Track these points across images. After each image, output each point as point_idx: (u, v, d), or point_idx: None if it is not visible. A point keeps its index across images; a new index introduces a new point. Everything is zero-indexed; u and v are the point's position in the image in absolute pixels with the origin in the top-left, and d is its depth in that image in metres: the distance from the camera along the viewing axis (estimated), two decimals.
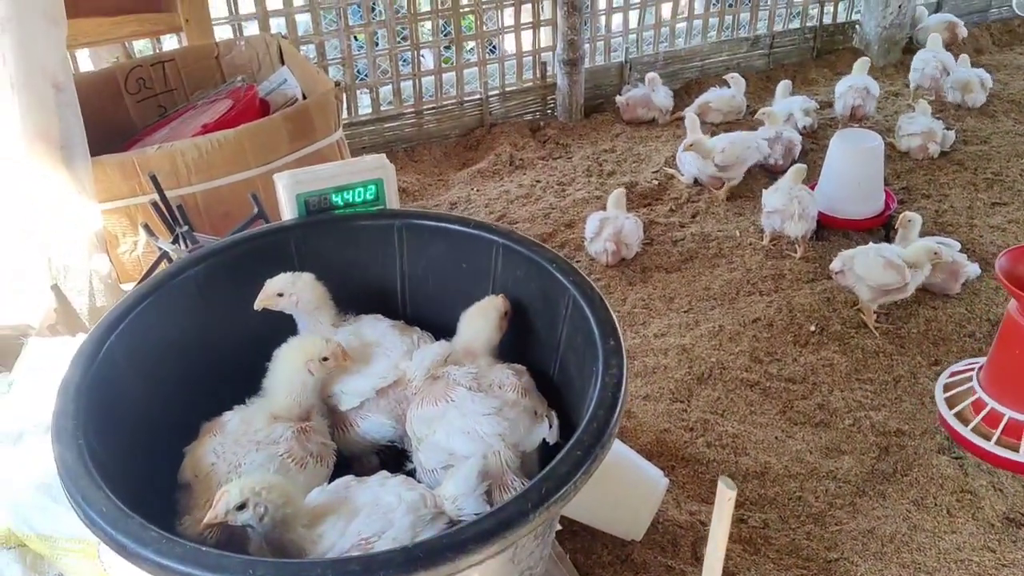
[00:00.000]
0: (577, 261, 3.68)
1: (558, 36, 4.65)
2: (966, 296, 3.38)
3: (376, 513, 1.35)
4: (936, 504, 2.56)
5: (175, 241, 2.34)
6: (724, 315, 3.32)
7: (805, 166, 3.71)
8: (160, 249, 2.35)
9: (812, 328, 3.24)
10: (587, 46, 4.78)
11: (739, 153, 3.91)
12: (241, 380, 1.72)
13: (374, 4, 4.41)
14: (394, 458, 1.75)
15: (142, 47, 4.14)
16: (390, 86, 4.54)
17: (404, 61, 4.52)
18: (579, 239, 3.76)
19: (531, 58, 4.80)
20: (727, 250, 3.71)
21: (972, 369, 2.85)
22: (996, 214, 3.89)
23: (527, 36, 4.77)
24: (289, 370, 1.65)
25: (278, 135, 2.79)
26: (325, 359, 1.64)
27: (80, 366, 1.49)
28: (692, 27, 5.13)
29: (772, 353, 3.14)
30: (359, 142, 4.46)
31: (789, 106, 4.50)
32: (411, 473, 1.62)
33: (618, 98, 4.80)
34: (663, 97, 4.73)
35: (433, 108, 4.64)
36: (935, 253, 3.13)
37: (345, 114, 4.37)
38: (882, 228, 3.74)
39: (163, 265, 2.33)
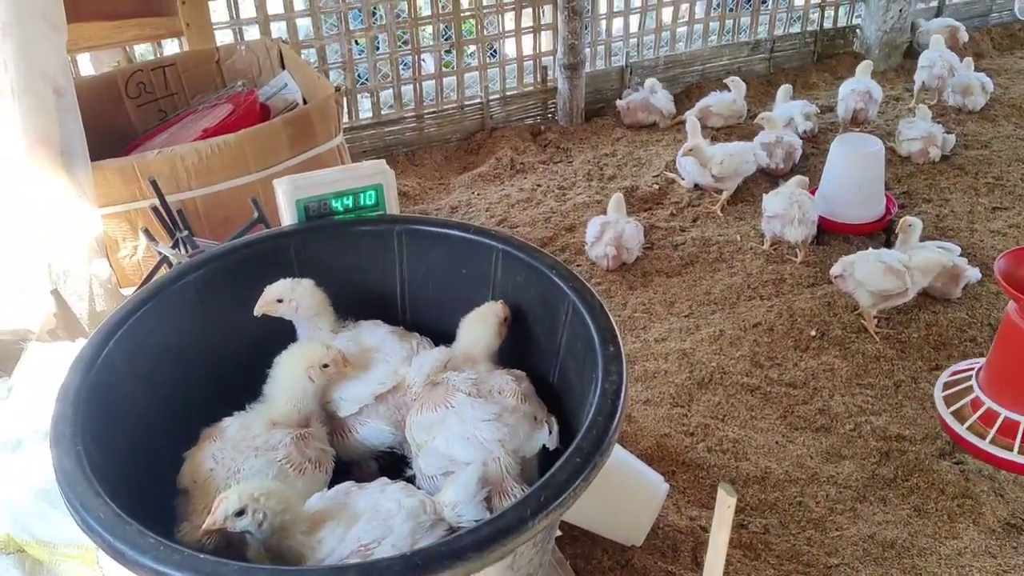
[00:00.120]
0: (578, 265, 3.68)
1: (559, 40, 4.65)
2: (967, 300, 3.38)
3: (376, 519, 1.35)
4: (937, 509, 2.55)
5: (175, 246, 2.34)
6: (725, 320, 3.32)
7: (807, 178, 3.71)
8: (160, 254, 2.35)
9: (813, 333, 3.23)
10: (588, 50, 4.78)
11: (736, 166, 3.92)
12: (241, 385, 1.71)
13: (375, 8, 4.42)
14: (393, 464, 1.75)
15: (143, 51, 4.14)
16: (391, 90, 4.55)
17: (405, 65, 4.52)
18: (580, 243, 3.76)
19: (532, 62, 4.80)
20: (728, 254, 3.71)
21: (972, 369, 2.86)
22: (997, 218, 3.88)
23: (528, 40, 4.77)
24: (290, 376, 1.65)
25: (278, 140, 2.79)
26: (326, 366, 1.64)
27: (79, 371, 1.49)
28: (693, 31, 5.13)
29: (773, 358, 3.14)
30: (360, 146, 4.47)
31: (789, 110, 4.50)
32: (411, 479, 1.62)
33: (619, 102, 4.80)
34: (664, 101, 4.73)
35: (434, 112, 4.64)
36: (940, 265, 3.13)
37: (346, 118, 4.37)
38: (883, 232, 3.74)
39: (163, 270, 2.32)
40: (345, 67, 4.37)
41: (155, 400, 1.64)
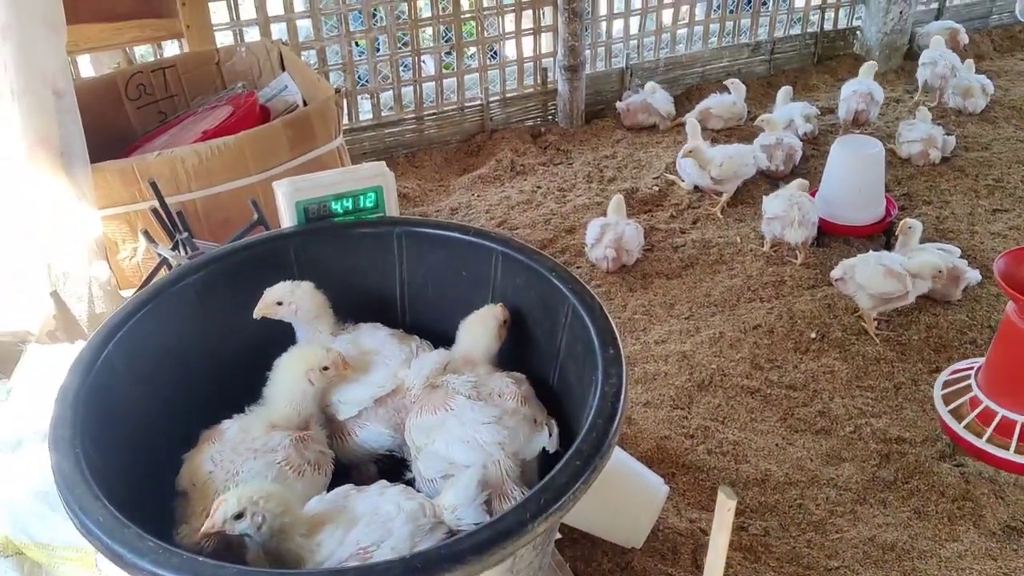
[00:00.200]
0: (578, 267, 3.68)
1: (559, 42, 4.65)
2: (967, 303, 3.37)
3: (375, 522, 1.35)
4: (937, 512, 2.55)
5: (175, 248, 2.34)
6: (725, 322, 3.32)
7: (807, 182, 3.71)
8: (160, 256, 2.35)
9: (813, 335, 3.23)
10: (588, 52, 4.78)
11: (736, 169, 3.92)
12: (240, 388, 1.71)
13: (375, 10, 4.42)
14: (393, 467, 1.74)
15: (143, 53, 4.14)
16: (391, 92, 4.54)
17: (405, 67, 4.52)
18: (580, 245, 3.75)
19: (532, 64, 4.80)
20: (728, 256, 3.71)
21: (972, 368, 2.87)
22: (997, 221, 3.88)
23: (528, 42, 4.77)
24: (289, 379, 1.65)
25: (278, 142, 2.79)
26: (326, 368, 1.64)
27: (78, 373, 1.48)
28: (693, 33, 5.13)
29: (773, 360, 3.13)
30: (360, 148, 4.46)
31: (789, 112, 4.50)
32: (410, 482, 1.61)
33: (619, 104, 4.80)
34: (664, 103, 4.73)
35: (434, 114, 4.64)
36: (939, 271, 3.12)
37: (346, 120, 4.37)
38: (883, 235, 3.74)
39: (163, 272, 2.32)
40: (345, 69, 4.37)
41: (154, 402, 1.64)
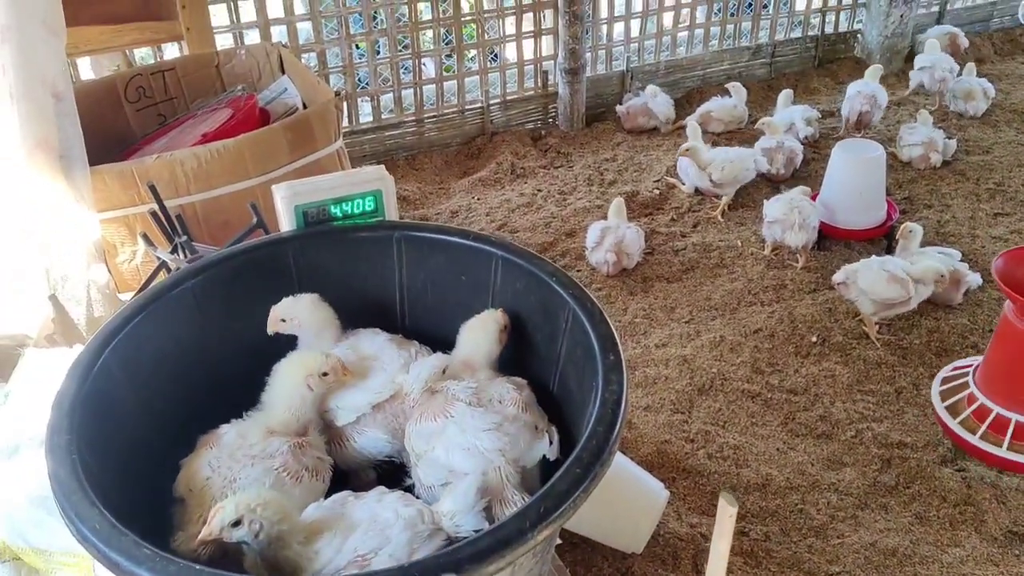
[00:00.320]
0: (578, 271, 3.67)
1: (559, 45, 4.64)
2: (968, 306, 3.37)
3: (373, 529, 1.34)
4: (939, 517, 2.54)
5: (174, 251, 2.33)
6: (725, 325, 3.31)
7: (809, 188, 3.71)
8: (159, 259, 2.34)
9: (814, 339, 3.22)
10: (588, 55, 4.78)
11: (737, 173, 3.92)
12: (238, 393, 1.70)
13: (376, 13, 4.41)
14: (392, 472, 1.73)
15: (144, 55, 4.14)
16: (391, 94, 4.54)
17: (405, 69, 4.52)
18: (580, 248, 3.75)
19: (532, 67, 4.79)
20: (728, 260, 3.70)
21: (971, 366, 2.88)
22: (998, 224, 3.87)
23: (528, 45, 4.76)
24: (289, 385, 1.64)
25: (278, 145, 2.78)
26: (325, 374, 1.63)
27: (75, 379, 1.48)
28: (693, 36, 5.13)
29: (773, 364, 3.12)
30: (360, 150, 4.46)
31: (790, 115, 4.49)
32: (409, 488, 1.60)
33: (619, 107, 4.80)
34: (664, 106, 4.73)
35: (434, 116, 4.64)
36: (942, 276, 3.12)
37: (346, 122, 4.36)
38: (884, 238, 3.73)
39: (162, 275, 2.32)
40: (346, 71, 4.37)
41: (152, 407, 1.63)
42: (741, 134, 4.67)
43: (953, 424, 2.75)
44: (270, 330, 1.75)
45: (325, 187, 1.87)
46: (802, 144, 4.30)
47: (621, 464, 2.32)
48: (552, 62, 4.76)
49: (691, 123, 4.19)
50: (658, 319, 3.39)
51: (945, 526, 2.51)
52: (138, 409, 1.60)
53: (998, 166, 4.31)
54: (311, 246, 1.86)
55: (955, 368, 2.95)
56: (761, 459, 2.73)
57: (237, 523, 1.31)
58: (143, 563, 1.16)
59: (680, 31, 5.08)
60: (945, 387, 2.88)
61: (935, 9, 5.66)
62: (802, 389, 3.02)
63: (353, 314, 1.85)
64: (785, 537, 2.48)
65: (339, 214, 1.88)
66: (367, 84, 4.52)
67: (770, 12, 5.29)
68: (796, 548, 2.44)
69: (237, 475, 1.54)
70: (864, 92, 4.43)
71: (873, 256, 3.26)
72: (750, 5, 5.26)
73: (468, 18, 4.60)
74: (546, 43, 4.80)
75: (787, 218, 3.49)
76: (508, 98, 4.78)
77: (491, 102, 4.70)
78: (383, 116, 4.55)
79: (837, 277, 3.19)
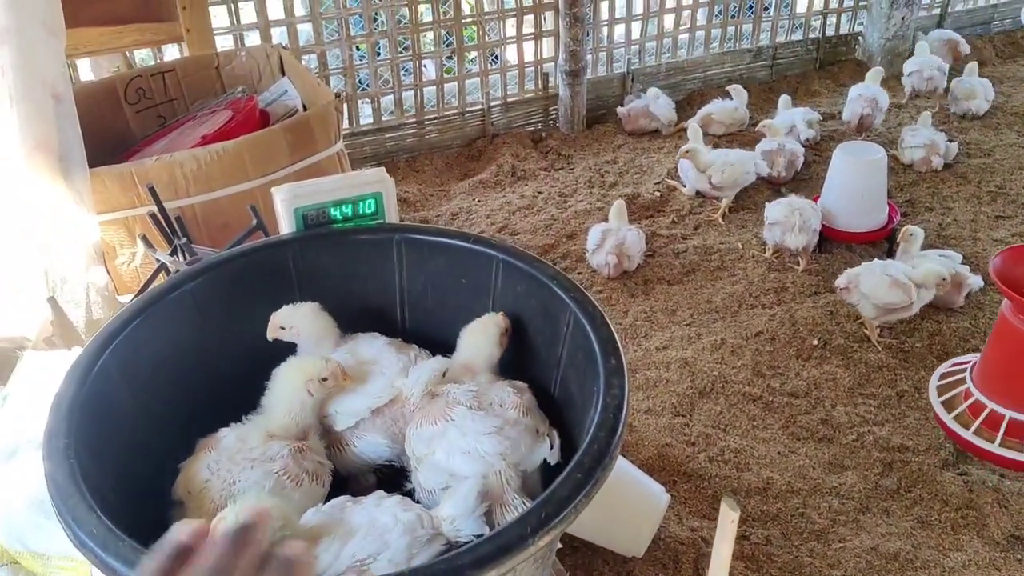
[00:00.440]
0: (579, 273, 3.66)
1: (560, 47, 4.64)
2: (969, 309, 3.36)
3: (372, 534, 1.33)
4: (940, 521, 2.53)
5: (173, 253, 2.32)
6: (726, 328, 3.30)
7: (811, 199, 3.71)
8: (158, 261, 2.33)
9: (815, 342, 3.21)
10: (589, 57, 4.77)
11: (737, 177, 3.91)
12: (238, 397, 1.69)
13: (376, 14, 4.41)
14: (392, 476, 1.72)
15: (144, 56, 4.13)
16: (392, 96, 4.54)
17: (406, 71, 4.52)
18: (581, 251, 3.74)
19: (533, 69, 4.79)
20: (729, 263, 3.69)
21: (969, 363, 2.90)
22: (1000, 227, 3.87)
23: (529, 47, 4.76)
24: (288, 390, 1.63)
25: (278, 147, 2.77)
26: (325, 379, 1.62)
27: (73, 382, 1.46)
28: (694, 38, 5.12)
29: (775, 367, 3.12)
30: (360, 152, 4.46)
31: (791, 118, 4.48)
32: (409, 493, 1.59)
33: (620, 109, 4.79)
34: (665, 108, 4.72)
35: (435, 118, 4.63)
36: (943, 279, 3.11)
37: (346, 124, 4.36)
38: (885, 241, 3.72)
39: (161, 277, 2.31)
40: (346, 73, 4.36)
41: (151, 410, 1.62)
42: (742, 136, 4.66)
43: (948, 419, 2.77)
44: (270, 337, 1.75)
45: (325, 189, 1.86)
46: (803, 146, 4.30)
47: (622, 467, 2.32)
48: (553, 64, 4.76)
49: (692, 125, 4.18)
50: (659, 322, 3.39)
51: (947, 530, 2.50)
52: (137, 412, 1.59)
53: (999, 169, 4.30)
54: (311, 249, 1.85)
55: (954, 364, 2.98)
56: (762, 463, 2.73)
57: None
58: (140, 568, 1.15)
59: (681, 33, 5.08)
60: (943, 382, 2.91)
61: (936, 12, 5.66)
62: (803, 392, 3.01)
63: (353, 317, 1.84)
64: (786, 541, 2.47)
65: (339, 216, 1.87)
66: (367, 86, 4.51)
67: (771, 14, 5.29)
68: (797, 552, 2.43)
69: (236, 478, 1.52)
70: (865, 95, 4.43)
71: (875, 260, 3.25)
72: (751, 7, 5.26)
73: (469, 20, 4.59)
74: (547, 45, 4.79)
75: (787, 220, 3.49)
76: (509, 100, 4.78)
77: (492, 104, 4.70)
78: (383, 118, 4.55)
79: (839, 282, 3.19)
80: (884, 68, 4.70)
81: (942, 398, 2.85)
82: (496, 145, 4.69)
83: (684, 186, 4.17)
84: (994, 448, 2.67)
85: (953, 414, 2.78)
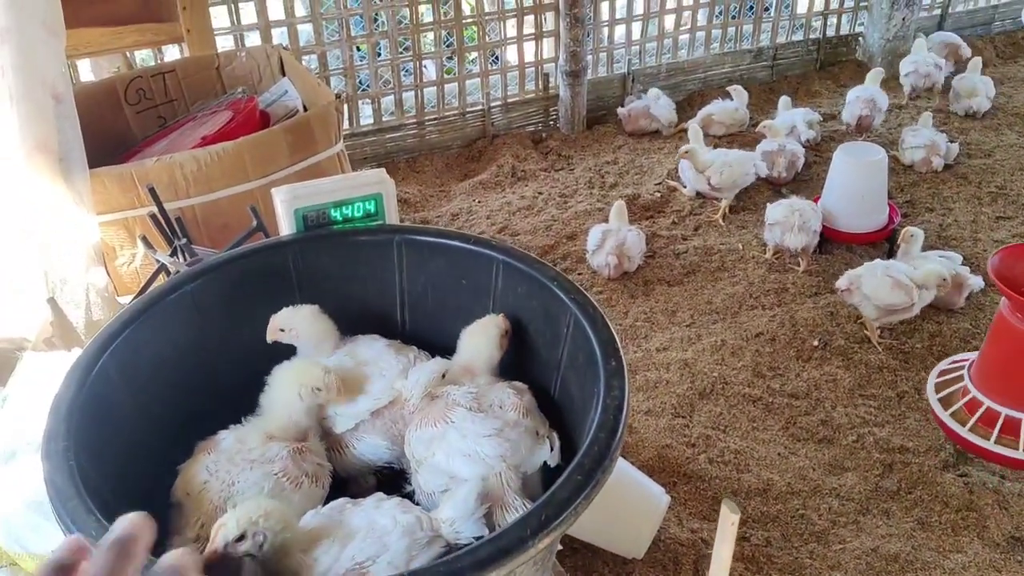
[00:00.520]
0: (579, 274, 3.66)
1: (561, 47, 4.64)
2: (970, 310, 3.36)
3: (371, 537, 1.32)
4: (941, 523, 2.53)
5: (173, 254, 2.32)
6: (726, 329, 3.30)
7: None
8: (158, 262, 2.33)
9: (815, 343, 3.21)
10: (590, 57, 4.77)
11: (736, 178, 3.90)
12: (238, 398, 1.69)
13: (376, 15, 4.41)
14: (392, 479, 1.72)
15: (144, 57, 4.13)
16: (392, 97, 4.53)
17: (406, 72, 4.51)
18: (581, 251, 3.74)
19: (533, 69, 4.79)
20: (730, 263, 3.69)
21: (968, 360, 2.91)
22: (1000, 228, 3.86)
23: (529, 47, 4.76)
24: (285, 392, 1.63)
25: (278, 147, 2.77)
26: (319, 389, 1.61)
27: (73, 384, 1.46)
28: (695, 39, 5.12)
29: (775, 368, 3.11)
30: (360, 152, 4.45)
31: (792, 119, 4.48)
32: (409, 495, 1.59)
33: (620, 110, 4.79)
34: (666, 109, 4.72)
35: (435, 119, 4.63)
36: (944, 280, 3.12)
37: (347, 125, 4.36)
38: (886, 242, 3.72)
39: (161, 278, 2.31)
40: (346, 73, 4.36)
41: (151, 412, 1.61)
42: (742, 137, 4.66)
43: (944, 415, 2.78)
44: (269, 339, 1.75)
45: (325, 190, 1.85)
46: (803, 147, 4.29)
47: (622, 469, 2.31)
48: (553, 65, 4.75)
49: (692, 126, 4.18)
50: (659, 323, 3.38)
51: (947, 532, 2.50)
52: (136, 414, 1.58)
53: (1000, 169, 4.30)
54: (311, 250, 1.85)
55: (954, 362, 2.98)
56: (762, 464, 2.72)
57: (241, 538, 1.29)
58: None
59: (681, 34, 5.08)
60: (941, 379, 2.92)
61: (937, 12, 5.66)
62: (803, 393, 3.01)
63: (353, 318, 1.84)
64: (786, 543, 2.47)
65: (339, 218, 1.86)
66: (368, 86, 4.51)
67: (771, 15, 5.29)
68: (797, 554, 2.43)
69: (236, 479, 1.52)
70: (863, 96, 4.44)
71: (876, 260, 3.25)
72: (751, 8, 5.25)
73: (469, 20, 4.59)
74: (547, 46, 4.79)
75: (787, 220, 3.49)
76: (509, 101, 4.77)
77: (492, 104, 4.70)
78: (384, 118, 4.55)
79: (840, 283, 3.18)
80: (884, 69, 4.70)
81: (939, 395, 2.86)
82: (496, 146, 4.69)
83: (684, 187, 4.17)
84: (989, 445, 2.67)
85: (950, 411, 2.79)
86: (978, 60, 4.86)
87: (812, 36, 5.39)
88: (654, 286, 3.59)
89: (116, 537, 0.70)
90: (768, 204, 3.67)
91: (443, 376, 1.66)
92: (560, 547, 2.30)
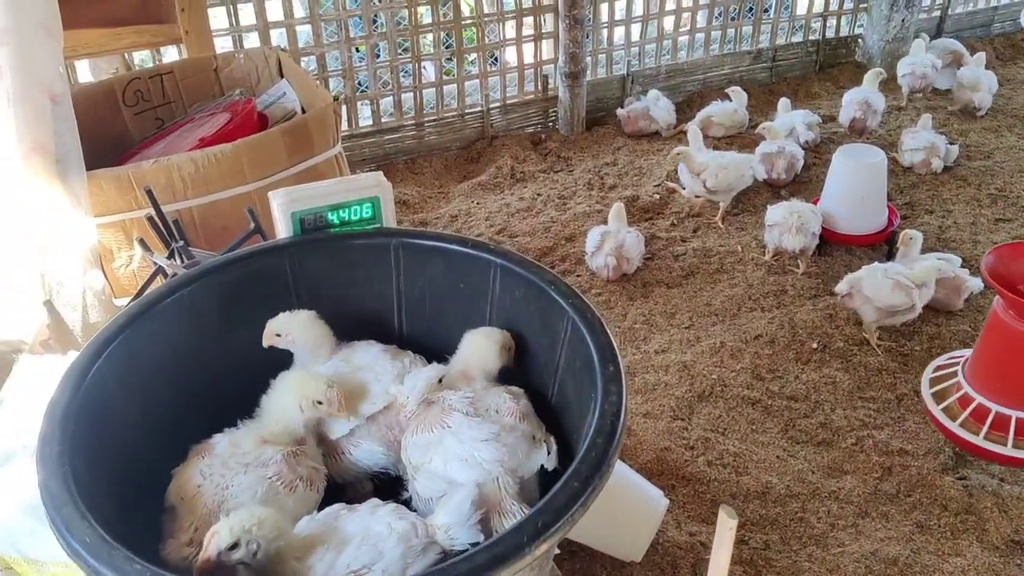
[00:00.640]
0: (578, 275, 3.66)
1: (560, 48, 4.63)
2: (969, 312, 3.35)
3: (366, 544, 1.32)
4: (940, 526, 2.52)
5: (171, 256, 2.32)
6: (725, 331, 3.29)
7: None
8: (155, 264, 2.32)
9: (814, 345, 3.21)
10: (589, 59, 4.77)
11: (731, 181, 3.88)
12: (234, 402, 1.68)
13: (375, 16, 4.40)
14: (390, 485, 1.72)
15: (143, 58, 4.13)
16: (391, 98, 4.53)
17: (405, 73, 4.51)
18: (580, 253, 3.73)
19: (533, 70, 4.78)
20: (729, 265, 3.68)
21: (963, 357, 2.92)
22: (1000, 230, 3.86)
23: (529, 48, 4.75)
24: (286, 401, 1.62)
25: (276, 149, 2.76)
26: (320, 403, 1.61)
27: (68, 388, 1.46)
28: (694, 40, 5.12)
29: (774, 370, 3.11)
30: (359, 154, 4.45)
31: (791, 120, 4.48)
32: (406, 502, 1.59)
33: (620, 111, 4.79)
34: (665, 111, 4.71)
35: (434, 120, 4.62)
36: (939, 271, 3.12)
37: (346, 126, 4.35)
38: (885, 244, 3.72)
39: (159, 280, 2.30)
40: (345, 75, 4.36)
41: (147, 417, 1.61)
42: (742, 138, 4.66)
43: (936, 410, 2.80)
44: (265, 344, 1.74)
45: (322, 194, 1.85)
46: (803, 149, 4.29)
47: (620, 471, 2.31)
48: (552, 66, 4.75)
49: (692, 128, 4.17)
50: (658, 325, 3.38)
51: (946, 535, 2.50)
52: (132, 418, 1.58)
53: (1000, 171, 4.29)
54: (308, 253, 1.85)
55: (950, 358, 2.99)
56: (761, 466, 2.72)
57: (234, 546, 1.28)
58: None
59: (681, 35, 5.07)
60: (936, 374, 2.93)
61: (936, 14, 5.65)
62: (802, 396, 3.00)
63: (351, 322, 1.84)
64: (785, 546, 2.46)
65: (336, 221, 1.86)
66: (367, 88, 4.50)
67: (771, 16, 5.28)
68: (796, 557, 2.42)
69: (229, 482, 1.52)
70: (856, 99, 4.45)
71: (875, 263, 3.24)
72: (751, 9, 5.25)
73: (468, 22, 4.59)
74: (546, 47, 4.79)
75: (785, 221, 3.48)
76: (508, 102, 4.77)
77: (491, 106, 4.69)
78: (383, 120, 4.54)
79: (840, 287, 3.17)
80: (884, 70, 4.70)
81: (933, 389, 2.87)
82: (495, 147, 4.69)
83: (684, 188, 4.16)
84: (978, 440, 2.69)
85: (942, 405, 2.80)
86: (982, 55, 4.85)
87: (812, 38, 5.39)
88: (653, 288, 3.58)
89: None
90: (767, 206, 3.67)
91: (440, 381, 1.65)
92: (558, 551, 2.30)
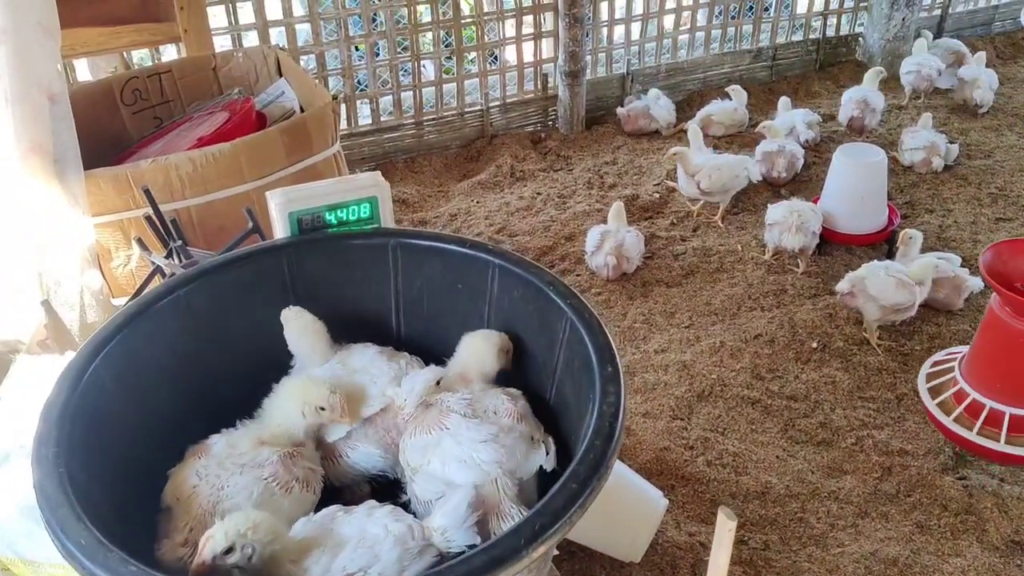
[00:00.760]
0: (577, 275, 3.65)
1: (560, 47, 4.63)
2: (969, 312, 3.35)
3: (362, 546, 1.31)
4: (940, 526, 2.52)
5: (168, 256, 2.31)
6: (725, 331, 3.29)
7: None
8: (153, 264, 2.32)
9: (814, 345, 3.20)
10: (589, 57, 4.76)
11: (725, 182, 3.85)
12: (231, 402, 1.68)
13: (375, 15, 4.39)
14: (388, 487, 1.71)
15: (142, 56, 4.12)
16: (390, 97, 4.52)
17: (405, 72, 4.50)
18: (579, 252, 3.73)
19: (532, 69, 4.77)
20: (728, 265, 3.68)
21: (960, 354, 2.91)
22: (1000, 229, 3.85)
23: (528, 47, 4.74)
24: (288, 405, 1.62)
25: (274, 149, 2.76)
26: (323, 409, 1.61)
27: (64, 389, 1.45)
28: (694, 39, 5.11)
29: (774, 370, 3.10)
30: (359, 153, 4.44)
31: (791, 119, 4.47)
32: (404, 505, 1.58)
33: (620, 110, 4.78)
34: (665, 109, 4.71)
35: (433, 119, 4.62)
36: (935, 267, 3.12)
37: (345, 125, 4.35)
38: (885, 243, 3.71)
39: (156, 280, 2.30)
40: (344, 73, 4.35)
41: (143, 418, 1.61)
42: (742, 137, 4.65)
43: (931, 405, 2.80)
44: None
45: (320, 194, 1.85)
46: (803, 148, 4.28)
47: (619, 472, 2.30)
48: (552, 65, 4.74)
49: (692, 127, 4.16)
50: (658, 324, 3.37)
51: (946, 535, 2.49)
52: (128, 418, 1.57)
53: (1000, 171, 4.28)
54: (306, 254, 1.84)
55: (949, 354, 2.99)
56: (761, 466, 2.71)
57: (229, 550, 1.28)
58: None
59: (681, 34, 5.06)
60: (933, 369, 2.93)
61: (937, 13, 5.64)
62: (802, 395, 2.99)
63: (348, 323, 1.83)
64: (784, 546, 2.46)
65: (334, 221, 1.86)
66: (366, 86, 4.50)
67: (771, 15, 5.27)
68: (796, 557, 2.42)
69: (225, 483, 1.51)
70: (855, 98, 4.44)
71: (874, 261, 3.24)
72: (751, 8, 5.24)
73: (468, 20, 4.58)
74: (546, 46, 4.78)
75: (786, 221, 3.48)
76: (508, 101, 4.76)
77: (491, 105, 4.68)
78: (382, 118, 4.53)
79: (841, 287, 3.16)
80: (884, 69, 4.69)
81: (929, 385, 2.87)
82: (495, 146, 4.68)
83: (681, 190, 4.15)
84: (971, 436, 2.68)
85: (937, 400, 2.80)
86: (982, 54, 4.85)
87: (812, 36, 5.38)
88: (653, 287, 3.58)
89: None
90: (768, 205, 3.66)
91: (437, 383, 1.65)
92: (556, 551, 2.29)
